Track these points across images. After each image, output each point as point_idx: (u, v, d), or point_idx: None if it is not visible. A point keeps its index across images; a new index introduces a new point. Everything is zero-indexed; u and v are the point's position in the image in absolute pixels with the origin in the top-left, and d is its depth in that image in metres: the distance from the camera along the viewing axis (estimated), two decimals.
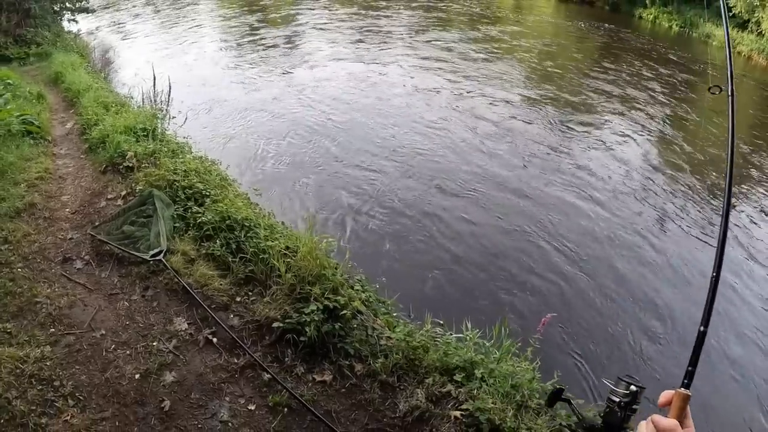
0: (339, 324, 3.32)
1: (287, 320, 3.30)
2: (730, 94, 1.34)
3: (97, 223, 4.55)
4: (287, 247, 3.70)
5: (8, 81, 8.75)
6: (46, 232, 4.59)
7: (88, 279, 3.96)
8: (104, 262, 4.11)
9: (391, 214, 6.98)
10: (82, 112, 7.19)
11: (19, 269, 4.02)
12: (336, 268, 3.62)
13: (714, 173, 9.34)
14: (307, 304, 3.33)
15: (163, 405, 2.93)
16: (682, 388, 0.99)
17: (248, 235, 3.90)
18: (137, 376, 3.11)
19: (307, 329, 3.19)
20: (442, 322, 4.08)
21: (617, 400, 1.16)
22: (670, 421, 0.92)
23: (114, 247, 4.14)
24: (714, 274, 1.16)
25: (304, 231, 3.78)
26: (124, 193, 4.97)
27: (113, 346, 3.35)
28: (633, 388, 1.15)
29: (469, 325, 3.83)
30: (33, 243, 4.37)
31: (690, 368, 1.06)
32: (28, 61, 11.97)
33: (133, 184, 4.98)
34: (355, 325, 3.39)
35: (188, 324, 3.48)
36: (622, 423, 1.15)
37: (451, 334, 3.82)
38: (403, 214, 7.03)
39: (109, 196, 5.02)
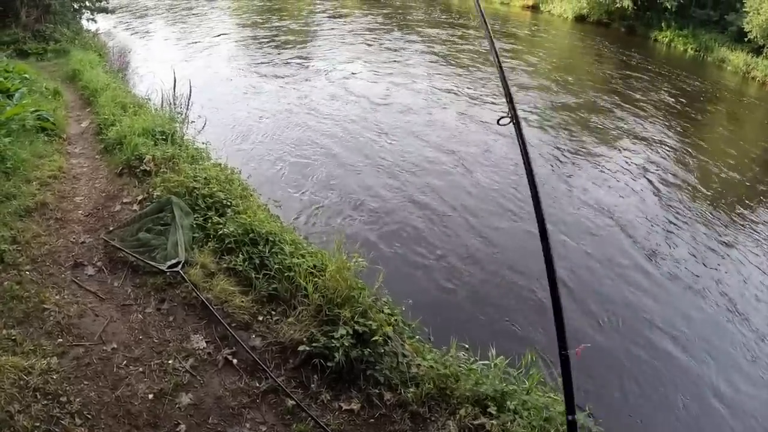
0: (369, 350, 3.12)
1: (314, 344, 3.09)
2: (516, 122, 1.39)
3: (111, 228, 4.36)
4: (314, 266, 3.49)
5: (25, 75, 8.65)
6: (57, 234, 4.40)
7: (100, 287, 3.76)
8: (117, 270, 3.91)
9: (411, 232, 6.80)
10: (99, 111, 7.07)
11: (27, 272, 3.82)
12: (364, 290, 3.41)
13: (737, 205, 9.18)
14: (335, 327, 3.14)
15: (178, 429, 2.72)
16: None
17: (272, 250, 3.70)
18: (151, 396, 2.89)
19: (335, 354, 2.99)
20: (467, 345, 3.90)
21: None
22: None
23: (128, 254, 3.94)
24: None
25: (333, 249, 3.55)
26: (140, 197, 4.78)
27: (125, 361, 3.14)
28: None
29: (494, 352, 3.66)
30: (43, 245, 4.17)
31: None
32: (46, 56, 11.93)
33: (150, 189, 4.79)
34: (385, 351, 3.19)
35: (206, 342, 3.27)
36: None
37: (476, 361, 3.64)
38: (428, 234, 6.85)
39: (124, 200, 4.83)
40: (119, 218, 4.57)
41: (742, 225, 8.65)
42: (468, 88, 14.13)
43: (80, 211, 4.78)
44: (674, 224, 8.17)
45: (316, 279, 3.38)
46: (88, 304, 3.57)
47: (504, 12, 28.90)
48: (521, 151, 1.34)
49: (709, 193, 9.51)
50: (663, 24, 24.55)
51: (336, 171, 8.28)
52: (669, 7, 23.77)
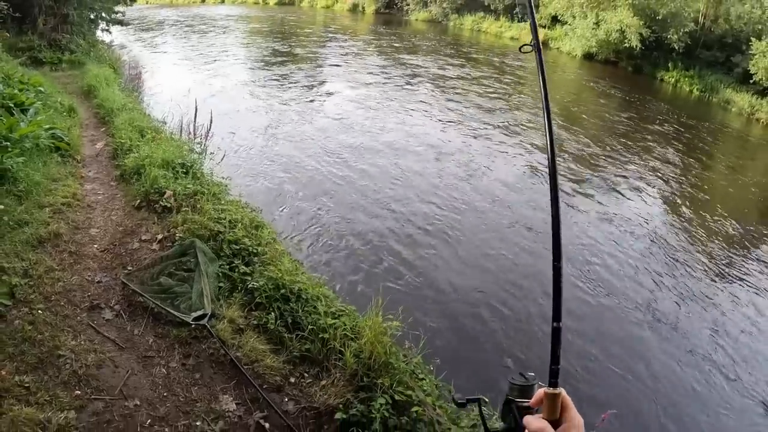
0: (406, 417, 2.99)
1: (351, 411, 2.95)
2: (536, 48, 1.38)
3: (129, 268, 4.18)
4: (351, 327, 3.35)
5: (40, 89, 8.45)
6: (72, 269, 4.21)
7: (119, 334, 3.57)
8: (137, 317, 3.73)
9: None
10: (115, 134, 6.92)
11: (40, 312, 3.62)
12: (404, 355, 3.28)
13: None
14: (372, 394, 3.01)
15: None
16: (549, 388, 0.98)
17: (305, 308, 3.55)
18: None
19: (374, 424, 2.84)
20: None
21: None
22: (539, 423, 0.95)
23: (149, 300, 3.77)
24: (556, 263, 1.09)
25: (369, 311, 3.39)
26: (160, 236, 4.59)
27: (149, 420, 2.94)
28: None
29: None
30: (56, 281, 3.98)
31: (553, 367, 1.04)
32: (60, 67, 11.85)
33: (171, 228, 4.61)
34: (421, 418, 3.04)
35: (237, 404, 3.08)
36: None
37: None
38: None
39: (143, 237, 4.65)
40: (137, 257, 4.39)
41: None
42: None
43: (95, 246, 4.59)
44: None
45: (351, 341, 3.24)
46: (106, 352, 3.38)
47: (514, 47, 29.23)
48: (540, 79, 1.34)
49: (702, 238, 9.39)
50: (669, 64, 24.81)
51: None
52: (676, 47, 24.12)
